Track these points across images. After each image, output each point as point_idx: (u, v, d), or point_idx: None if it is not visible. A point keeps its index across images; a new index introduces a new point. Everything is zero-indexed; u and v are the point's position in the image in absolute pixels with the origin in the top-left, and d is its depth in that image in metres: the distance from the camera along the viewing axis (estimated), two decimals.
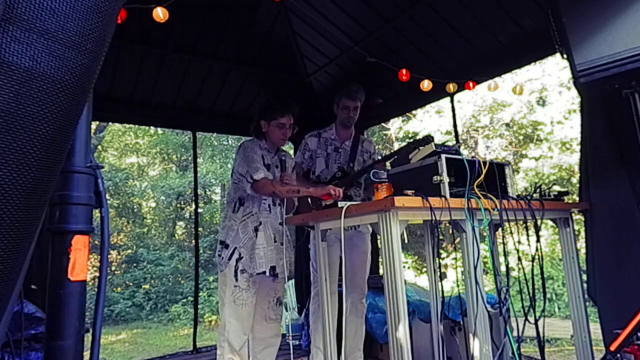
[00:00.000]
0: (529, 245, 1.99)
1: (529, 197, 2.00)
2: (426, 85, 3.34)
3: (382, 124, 9.86)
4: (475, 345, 1.75)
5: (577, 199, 2.41)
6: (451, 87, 3.38)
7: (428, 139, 2.25)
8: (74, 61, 0.64)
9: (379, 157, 2.90)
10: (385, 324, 3.03)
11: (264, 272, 2.26)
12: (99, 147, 12.39)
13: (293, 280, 5.06)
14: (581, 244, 2.46)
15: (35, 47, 0.59)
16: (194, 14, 3.62)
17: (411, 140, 2.23)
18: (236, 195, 2.40)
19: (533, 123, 9.01)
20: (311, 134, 2.95)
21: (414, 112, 9.37)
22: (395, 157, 2.40)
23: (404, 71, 3.28)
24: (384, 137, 11.08)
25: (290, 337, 4.19)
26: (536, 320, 1.95)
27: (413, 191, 1.64)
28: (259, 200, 2.35)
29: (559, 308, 7.11)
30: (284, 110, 2.36)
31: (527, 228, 2.01)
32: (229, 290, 2.25)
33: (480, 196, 1.76)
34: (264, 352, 2.40)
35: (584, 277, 2.29)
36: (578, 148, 4.49)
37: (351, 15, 3.60)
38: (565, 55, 1.84)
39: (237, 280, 2.24)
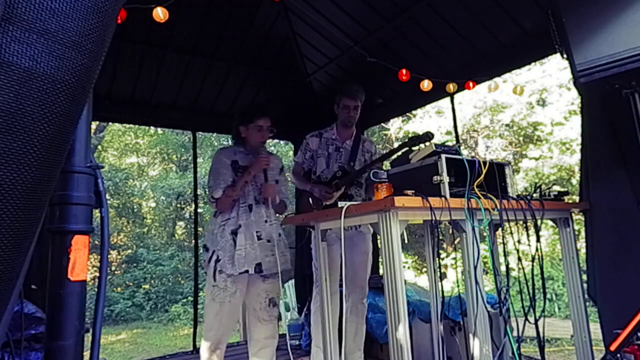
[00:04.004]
0: (529, 245, 1.99)
1: (529, 197, 2.00)
2: (426, 85, 3.34)
3: (382, 124, 9.86)
4: (475, 345, 1.74)
5: (577, 199, 2.41)
6: (451, 87, 3.38)
7: (428, 135, 2.25)
8: (74, 61, 0.64)
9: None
10: (385, 324, 3.03)
11: (247, 271, 2.29)
12: (99, 147, 12.39)
13: (293, 280, 5.06)
14: (581, 244, 2.46)
15: (35, 47, 0.59)
16: (194, 14, 3.62)
17: (410, 137, 2.22)
18: None
19: (533, 124, 9.02)
20: (312, 134, 2.95)
21: (414, 112, 9.38)
22: (397, 154, 2.39)
23: (404, 71, 3.28)
24: (384, 137, 11.08)
25: (288, 337, 4.19)
26: (536, 320, 1.95)
27: (413, 191, 1.64)
28: (237, 204, 2.38)
29: (559, 308, 7.11)
30: (261, 113, 2.42)
31: (527, 228, 2.00)
32: (209, 290, 2.33)
33: (480, 196, 1.76)
34: (260, 353, 2.42)
35: (584, 277, 2.29)
36: (578, 148, 4.49)
37: (351, 15, 3.60)
38: (565, 56, 1.83)
39: (215, 280, 2.30)
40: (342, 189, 2.75)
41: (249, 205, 2.39)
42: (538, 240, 2.00)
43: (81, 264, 0.81)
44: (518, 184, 8.60)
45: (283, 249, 2.45)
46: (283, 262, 2.41)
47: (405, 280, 1.68)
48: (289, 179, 3.20)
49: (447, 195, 1.70)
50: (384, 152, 2.81)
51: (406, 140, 2.29)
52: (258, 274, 2.36)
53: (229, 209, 2.36)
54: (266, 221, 2.41)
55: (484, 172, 1.85)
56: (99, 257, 0.86)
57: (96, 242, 0.95)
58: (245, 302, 2.46)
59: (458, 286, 2.18)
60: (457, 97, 3.70)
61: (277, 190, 2.48)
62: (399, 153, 2.33)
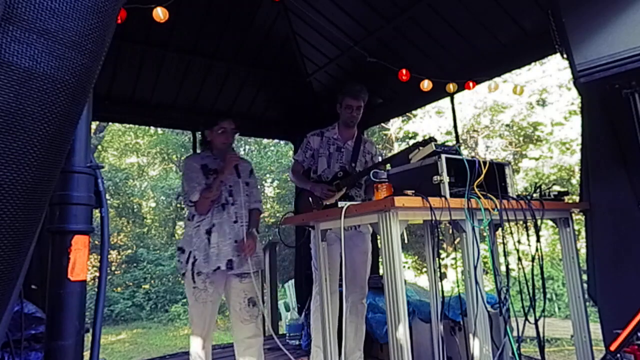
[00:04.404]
0: (529, 245, 1.99)
1: (529, 197, 2.00)
2: (426, 85, 3.34)
3: (382, 124, 9.86)
4: (475, 345, 1.74)
5: (577, 199, 2.41)
6: (451, 87, 3.38)
7: (431, 140, 2.25)
8: (74, 61, 0.64)
9: (380, 159, 2.90)
10: (385, 324, 3.03)
11: (219, 268, 2.37)
12: (99, 147, 12.39)
13: (293, 280, 5.06)
14: (581, 244, 2.45)
15: (35, 47, 0.59)
16: (194, 14, 3.62)
17: (414, 142, 2.22)
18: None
19: (533, 124, 9.02)
20: (313, 132, 2.95)
21: (414, 112, 9.38)
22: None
23: (404, 71, 3.27)
24: (384, 137, 11.08)
25: (288, 337, 4.19)
26: (536, 320, 1.95)
27: (413, 191, 1.64)
28: (210, 204, 2.47)
29: (559, 308, 7.11)
30: (224, 115, 2.58)
31: (527, 228, 2.00)
32: (190, 292, 2.41)
33: (480, 196, 1.76)
34: (246, 352, 2.48)
35: (584, 277, 2.29)
36: (578, 149, 4.49)
37: (351, 15, 3.60)
38: (565, 55, 1.83)
39: (194, 282, 2.39)
40: (344, 190, 2.74)
41: (222, 204, 2.47)
42: (538, 240, 2.00)
43: (81, 264, 0.81)
44: (518, 184, 8.60)
45: (256, 250, 2.51)
46: (256, 262, 2.49)
47: (405, 280, 1.68)
48: (288, 178, 3.23)
49: (447, 195, 1.70)
50: (384, 152, 2.81)
51: (409, 146, 2.28)
52: (234, 274, 2.44)
53: (206, 210, 2.43)
54: (235, 221, 2.48)
55: (484, 172, 1.85)
56: (99, 257, 0.86)
57: (96, 242, 0.95)
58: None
59: (458, 286, 2.18)
60: (457, 97, 3.70)
61: (248, 192, 2.58)
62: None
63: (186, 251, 2.43)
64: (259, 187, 2.86)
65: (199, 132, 2.69)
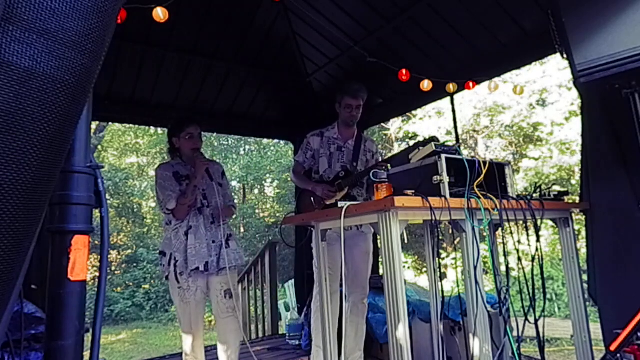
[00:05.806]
0: (529, 245, 1.99)
1: (529, 197, 2.00)
2: (426, 85, 3.34)
3: (382, 124, 9.86)
4: (475, 345, 1.75)
5: (577, 199, 2.41)
6: (451, 87, 3.38)
7: (433, 140, 2.24)
8: (74, 61, 0.64)
9: (381, 157, 2.89)
10: (385, 324, 3.03)
11: (197, 268, 2.43)
12: (99, 147, 12.40)
13: (293, 280, 5.06)
14: (581, 244, 2.46)
15: (35, 47, 0.59)
16: (194, 14, 3.62)
17: (415, 142, 2.22)
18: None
19: (533, 124, 9.03)
20: (313, 133, 2.94)
21: (414, 112, 9.38)
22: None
23: (404, 71, 3.27)
24: (384, 137, 11.08)
25: (288, 337, 4.19)
26: (536, 320, 1.95)
27: (413, 191, 1.64)
28: (188, 210, 2.51)
29: (559, 308, 7.12)
30: (190, 121, 2.54)
31: (527, 228, 2.00)
32: (176, 292, 2.46)
33: (480, 196, 1.76)
34: (226, 345, 2.52)
35: (584, 277, 2.29)
36: (578, 149, 4.50)
37: (351, 15, 3.60)
38: (565, 56, 1.83)
39: (179, 282, 2.43)
40: (346, 190, 2.74)
41: (199, 208, 2.52)
42: (538, 240, 2.00)
43: (81, 264, 0.81)
44: (518, 184, 8.61)
45: (235, 247, 2.59)
46: (234, 258, 2.55)
47: (405, 280, 1.68)
48: (289, 178, 3.23)
49: (447, 195, 1.70)
50: (384, 152, 2.81)
51: (409, 146, 2.28)
52: (213, 271, 2.49)
53: (185, 215, 2.47)
54: (212, 222, 2.54)
55: (484, 172, 1.85)
56: (99, 257, 0.86)
57: (96, 242, 0.95)
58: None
59: (458, 286, 2.17)
60: (457, 97, 3.70)
61: (222, 194, 2.61)
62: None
63: (167, 254, 2.47)
64: (230, 186, 2.91)
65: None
